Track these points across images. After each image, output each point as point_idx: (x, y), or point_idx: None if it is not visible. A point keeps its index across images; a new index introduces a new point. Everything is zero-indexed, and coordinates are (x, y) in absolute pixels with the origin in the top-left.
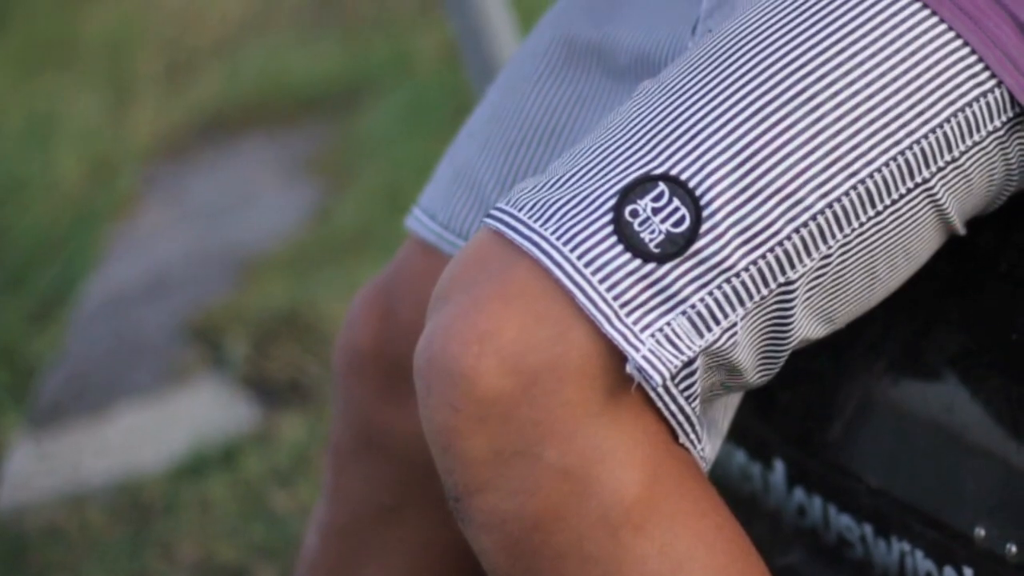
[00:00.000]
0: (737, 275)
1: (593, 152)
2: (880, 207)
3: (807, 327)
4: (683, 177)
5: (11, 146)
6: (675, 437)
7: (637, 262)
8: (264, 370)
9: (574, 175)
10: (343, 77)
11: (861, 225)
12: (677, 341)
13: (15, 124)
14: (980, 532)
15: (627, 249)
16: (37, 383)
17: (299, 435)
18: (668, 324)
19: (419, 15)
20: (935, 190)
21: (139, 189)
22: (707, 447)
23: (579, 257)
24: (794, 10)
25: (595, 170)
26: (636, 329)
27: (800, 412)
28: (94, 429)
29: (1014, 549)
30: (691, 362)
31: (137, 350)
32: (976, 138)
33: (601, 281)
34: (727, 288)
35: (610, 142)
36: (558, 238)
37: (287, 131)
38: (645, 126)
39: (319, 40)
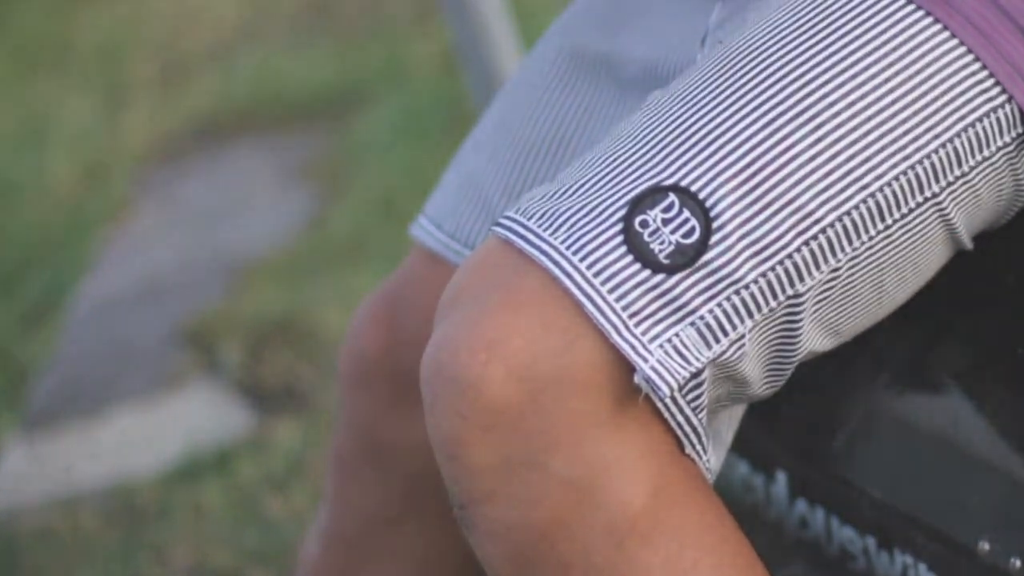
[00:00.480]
0: (746, 287)
1: (603, 162)
2: (890, 221)
3: (814, 340)
4: (693, 188)
5: (4, 149)
6: (681, 448)
7: (646, 272)
8: (258, 376)
9: (584, 185)
10: (338, 84)
11: (870, 239)
12: (685, 352)
13: (8, 127)
14: (984, 546)
15: (637, 259)
16: (30, 387)
17: (293, 441)
18: (676, 335)
19: (414, 22)
20: (944, 204)
21: (132, 194)
22: (712, 458)
23: (588, 267)
24: (806, 23)
25: (605, 180)
26: (645, 340)
27: (803, 424)
28: (87, 433)
29: (1018, 563)
30: (699, 373)
31: (130, 354)
32: (986, 153)
33: (610, 291)
34: (736, 300)
35: (620, 152)
36: (567, 247)
37: (281, 137)
38: (655, 136)
39: (314, 46)
